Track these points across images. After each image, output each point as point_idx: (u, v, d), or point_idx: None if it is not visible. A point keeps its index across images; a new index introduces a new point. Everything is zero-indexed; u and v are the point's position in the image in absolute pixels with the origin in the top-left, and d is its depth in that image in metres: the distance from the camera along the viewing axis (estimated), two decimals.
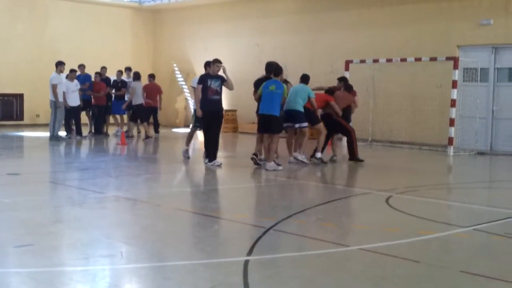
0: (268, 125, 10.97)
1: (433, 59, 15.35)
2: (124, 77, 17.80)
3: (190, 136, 12.35)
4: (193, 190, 9.62)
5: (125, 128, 17.27)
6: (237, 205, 8.20)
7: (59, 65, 15.56)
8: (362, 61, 16.51)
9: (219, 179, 10.54)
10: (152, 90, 17.06)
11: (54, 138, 15.43)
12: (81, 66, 17.30)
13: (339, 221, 7.25)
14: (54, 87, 15.24)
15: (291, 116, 11.46)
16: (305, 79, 11.86)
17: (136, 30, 23.77)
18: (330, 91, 12.57)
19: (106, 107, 17.27)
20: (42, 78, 19.68)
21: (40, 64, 20.42)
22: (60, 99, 15.38)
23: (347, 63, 16.52)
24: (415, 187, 9.66)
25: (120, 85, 17.45)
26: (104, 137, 17.12)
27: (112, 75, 17.85)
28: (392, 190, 9.09)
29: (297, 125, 11.62)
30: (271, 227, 6.40)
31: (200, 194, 9.12)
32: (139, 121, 16.83)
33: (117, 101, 17.41)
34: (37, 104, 20.44)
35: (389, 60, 16.10)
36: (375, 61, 16.34)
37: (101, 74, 17.45)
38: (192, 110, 12.89)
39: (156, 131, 17.69)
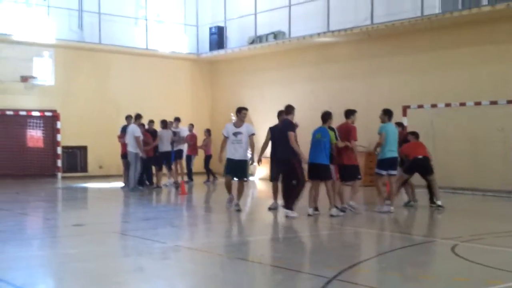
0: (317, 172, 11.05)
1: (493, 102, 15.08)
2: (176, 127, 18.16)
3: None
4: (253, 239, 9.59)
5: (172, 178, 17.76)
6: (298, 254, 8.13)
7: (138, 118, 16.16)
8: (420, 106, 16.34)
9: (278, 228, 10.50)
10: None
11: (136, 189, 15.77)
12: (129, 117, 17.74)
13: (404, 271, 7.07)
14: (137, 139, 15.66)
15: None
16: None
17: (194, 81, 24.34)
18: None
19: (153, 159, 17.23)
20: (104, 130, 20.38)
21: (103, 117, 21.09)
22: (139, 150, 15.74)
23: (405, 109, 16.39)
24: (480, 234, 9.37)
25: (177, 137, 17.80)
26: (158, 188, 17.23)
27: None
28: (457, 238, 8.84)
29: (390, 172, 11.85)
30: (334, 277, 6.31)
31: (261, 243, 9.09)
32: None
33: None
34: (100, 156, 21.03)
35: (447, 105, 15.90)
36: (433, 106, 16.15)
37: (149, 127, 17.40)
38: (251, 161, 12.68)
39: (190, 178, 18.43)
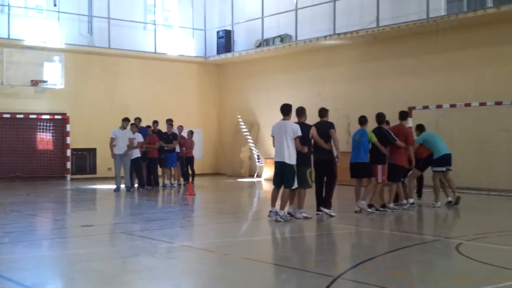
0: (358, 171, 11.69)
1: (498, 103, 15.13)
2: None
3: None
4: (260, 239, 9.69)
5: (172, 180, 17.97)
6: (304, 253, 8.23)
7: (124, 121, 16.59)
8: (425, 107, 16.42)
9: (285, 227, 10.59)
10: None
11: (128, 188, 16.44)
12: (137, 119, 17.93)
13: (408, 270, 7.16)
14: (130, 140, 16.23)
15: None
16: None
17: (202, 84, 24.49)
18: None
19: (157, 160, 17.44)
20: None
21: (112, 119, 21.20)
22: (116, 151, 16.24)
23: (410, 110, 16.43)
24: (485, 233, 9.44)
25: (171, 137, 17.82)
26: (163, 189, 17.35)
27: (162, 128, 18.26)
28: (461, 237, 8.91)
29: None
30: (339, 276, 6.41)
31: (268, 243, 9.20)
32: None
33: (169, 153, 17.63)
34: (109, 158, 21.09)
35: (452, 106, 15.96)
36: (439, 106, 16.22)
37: (153, 127, 17.80)
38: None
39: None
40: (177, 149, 17.95)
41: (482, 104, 15.43)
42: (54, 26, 20.98)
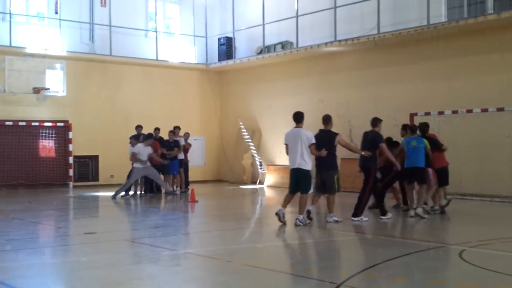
0: (414, 176, 12.12)
1: (500, 109, 15.13)
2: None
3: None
4: (263, 246, 9.67)
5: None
6: (307, 260, 8.22)
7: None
8: (427, 114, 16.41)
9: (288, 234, 10.60)
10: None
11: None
12: (139, 128, 17.99)
13: (411, 277, 7.14)
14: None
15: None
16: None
17: (203, 91, 24.52)
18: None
19: (160, 167, 17.39)
20: (115, 139, 20.64)
21: (113, 126, 21.31)
22: None
23: (412, 116, 16.45)
24: (488, 240, 9.42)
25: (173, 145, 17.81)
26: (166, 196, 17.26)
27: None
28: (465, 244, 8.90)
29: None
30: (342, 283, 6.40)
31: (271, 249, 9.19)
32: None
33: (171, 161, 17.60)
34: (111, 165, 21.22)
35: (454, 112, 15.95)
36: (440, 113, 16.22)
37: (155, 135, 17.83)
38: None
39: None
40: (181, 156, 17.99)
41: (484, 110, 15.42)
42: (55, 34, 21.02)
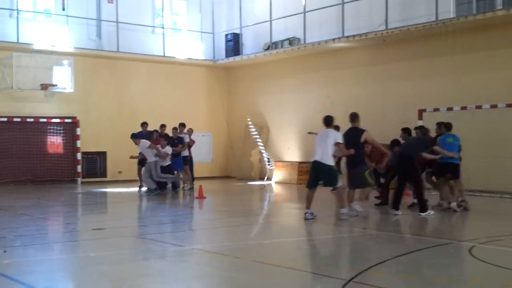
0: (448, 171, 12.46)
1: (509, 105, 15.04)
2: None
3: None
4: (271, 242, 9.61)
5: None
6: (317, 256, 8.21)
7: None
8: (436, 110, 16.33)
9: (299, 230, 10.58)
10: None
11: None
12: (144, 125, 17.97)
13: (420, 273, 7.10)
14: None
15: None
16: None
17: (211, 87, 24.51)
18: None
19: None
20: (123, 136, 20.57)
21: (121, 123, 21.32)
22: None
23: (420, 112, 16.38)
24: (498, 236, 9.37)
25: (177, 141, 17.71)
26: (171, 192, 17.23)
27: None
28: (474, 240, 8.86)
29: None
30: (351, 279, 6.38)
31: (279, 246, 9.16)
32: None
33: (175, 157, 17.52)
34: (119, 161, 21.24)
35: (463, 108, 15.88)
36: (449, 109, 16.14)
37: (160, 131, 17.84)
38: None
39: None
40: (185, 153, 17.88)
41: (493, 106, 15.35)
42: (62, 30, 21.06)
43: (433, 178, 13.25)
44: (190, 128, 18.57)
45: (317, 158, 11.16)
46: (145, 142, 16.55)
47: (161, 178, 16.56)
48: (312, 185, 11.27)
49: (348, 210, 11.36)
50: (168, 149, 16.75)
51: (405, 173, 12.00)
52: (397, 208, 11.88)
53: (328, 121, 11.48)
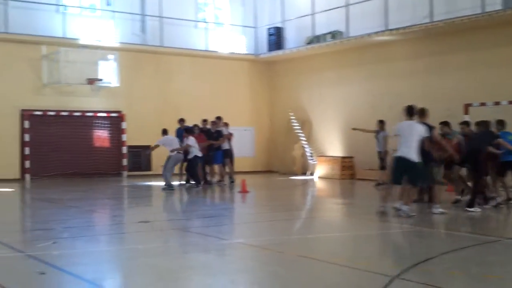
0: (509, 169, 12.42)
1: None
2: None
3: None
4: (315, 236, 9.61)
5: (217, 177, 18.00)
6: (361, 252, 8.15)
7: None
8: (482, 104, 16.00)
9: (342, 226, 10.53)
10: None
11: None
12: (181, 121, 18.08)
13: (468, 270, 6.97)
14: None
15: None
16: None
17: (253, 81, 24.57)
18: None
19: (206, 157, 17.34)
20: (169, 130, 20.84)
21: (164, 117, 21.51)
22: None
23: (466, 106, 16.09)
24: None
25: (216, 135, 17.74)
26: (212, 187, 17.34)
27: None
28: None
29: None
30: (397, 276, 6.33)
31: (323, 240, 9.14)
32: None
33: (215, 151, 17.59)
34: (162, 155, 21.41)
35: (511, 102, 15.51)
36: (496, 103, 15.79)
37: (202, 126, 17.83)
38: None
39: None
40: (226, 146, 17.92)
41: None
42: (108, 25, 21.42)
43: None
44: (226, 122, 18.59)
45: (401, 154, 10.68)
46: (169, 140, 16.67)
47: (166, 171, 16.47)
48: (396, 181, 10.91)
49: (409, 207, 10.84)
50: (190, 141, 16.51)
51: (473, 168, 11.77)
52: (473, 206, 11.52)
53: (411, 111, 10.96)
